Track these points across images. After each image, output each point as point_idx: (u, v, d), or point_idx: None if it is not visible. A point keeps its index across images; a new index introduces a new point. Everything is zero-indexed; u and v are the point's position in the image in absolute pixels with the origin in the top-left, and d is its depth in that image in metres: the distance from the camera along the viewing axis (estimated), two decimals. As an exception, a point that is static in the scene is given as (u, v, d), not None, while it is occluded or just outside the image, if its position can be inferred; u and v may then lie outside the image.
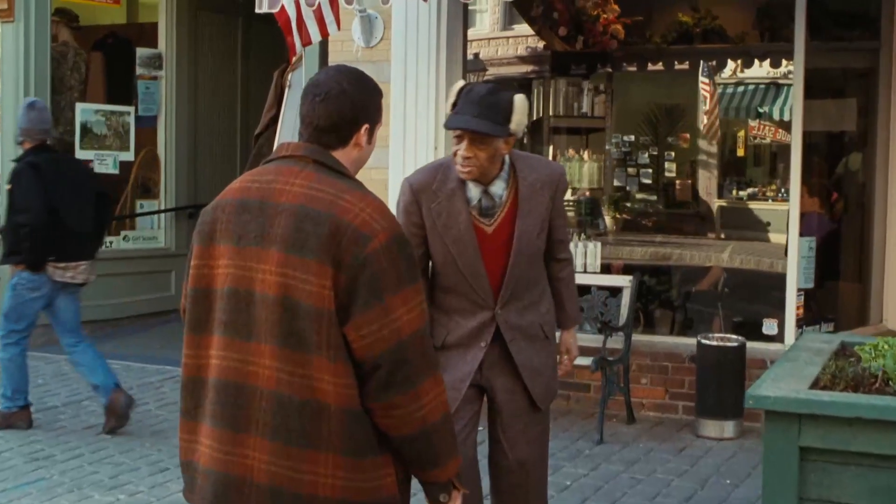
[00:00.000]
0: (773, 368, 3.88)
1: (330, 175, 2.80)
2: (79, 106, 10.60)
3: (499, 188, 4.03)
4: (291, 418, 2.69)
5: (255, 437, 2.73)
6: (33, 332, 9.87)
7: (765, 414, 3.49)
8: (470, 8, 11.41)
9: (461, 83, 4.02)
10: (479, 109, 3.81)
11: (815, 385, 3.62)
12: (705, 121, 10.30)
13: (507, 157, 4.03)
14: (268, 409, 2.71)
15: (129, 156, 10.96)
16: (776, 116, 10.54)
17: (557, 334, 4.40)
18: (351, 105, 2.90)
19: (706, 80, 10.07)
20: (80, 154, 10.52)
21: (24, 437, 7.04)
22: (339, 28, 7.61)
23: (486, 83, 3.99)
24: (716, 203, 10.71)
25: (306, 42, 7.65)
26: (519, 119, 3.89)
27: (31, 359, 9.23)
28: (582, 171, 10.07)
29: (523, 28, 10.73)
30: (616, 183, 10.10)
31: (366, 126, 2.94)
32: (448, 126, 3.94)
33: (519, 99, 3.90)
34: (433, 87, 8.09)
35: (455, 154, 3.92)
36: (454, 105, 3.91)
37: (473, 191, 4.03)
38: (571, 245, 8.22)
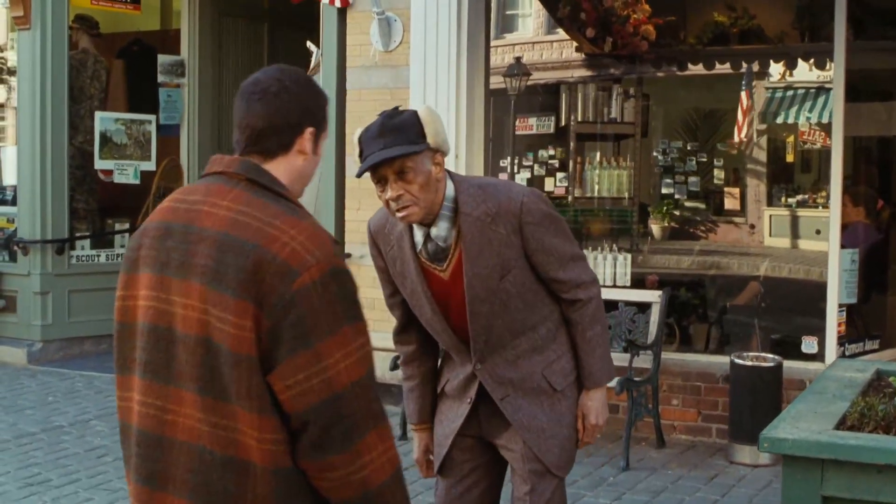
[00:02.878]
0: (795, 403, 3.47)
1: (264, 196, 2.42)
2: (98, 115, 10.37)
3: (441, 229, 3.35)
4: (213, 477, 2.32)
5: (173, 497, 2.37)
6: (50, 347, 9.78)
7: (783, 459, 3.09)
8: (512, 12, 11.15)
9: (358, 131, 3.31)
10: (385, 139, 3.17)
11: (841, 424, 3.21)
12: (745, 128, 9.86)
13: (449, 189, 3.34)
14: (186, 466, 2.35)
15: (150, 165, 10.71)
16: (824, 121, 10.10)
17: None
18: (293, 104, 2.52)
19: (746, 85, 9.64)
20: (100, 164, 10.33)
21: (23, 460, 6.76)
22: None
23: (380, 115, 3.27)
24: (764, 211, 10.28)
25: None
26: (434, 130, 3.23)
27: (45, 375, 9.13)
28: (611, 179, 9.66)
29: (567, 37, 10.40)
30: (662, 191, 9.71)
31: (310, 130, 2.53)
32: (359, 173, 3.23)
33: (424, 111, 3.27)
34: (453, 92, 7.75)
35: (386, 203, 3.28)
36: (360, 154, 3.26)
37: (417, 234, 3.42)
38: (600, 256, 7.87)
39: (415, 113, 3.26)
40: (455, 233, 3.37)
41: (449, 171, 3.39)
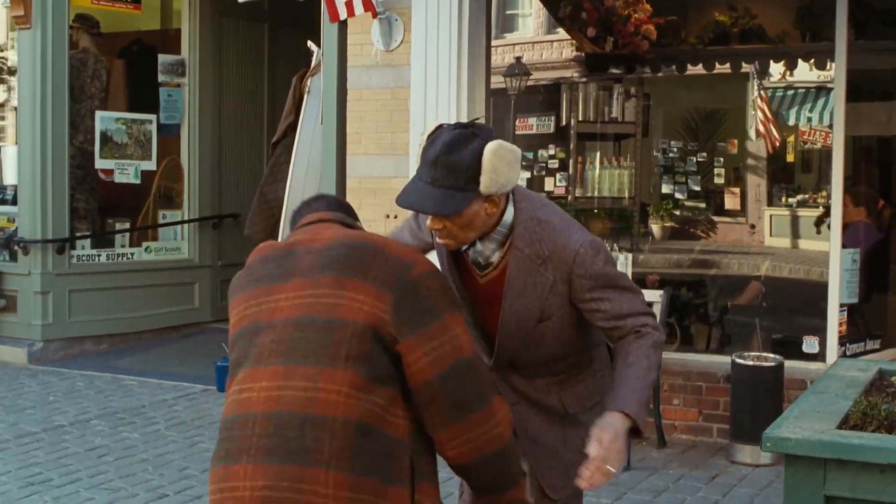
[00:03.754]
0: (797, 403, 3.46)
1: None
2: (99, 114, 10.37)
3: (488, 249, 3.16)
4: (289, 435, 2.59)
5: (245, 465, 2.61)
6: (50, 347, 9.77)
7: (786, 458, 3.08)
8: (512, 12, 11.14)
9: (431, 127, 3.09)
10: (434, 173, 2.95)
11: (843, 424, 3.21)
12: (772, 132, 9.82)
13: (508, 215, 3.12)
14: (261, 433, 2.62)
15: (151, 165, 10.72)
16: (825, 121, 10.09)
17: None
18: None
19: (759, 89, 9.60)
20: (100, 163, 10.32)
21: (24, 459, 6.75)
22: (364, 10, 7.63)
23: (453, 129, 3.00)
24: (764, 210, 10.27)
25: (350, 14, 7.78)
26: (492, 177, 2.95)
27: (46, 374, 9.13)
28: (612, 178, 9.65)
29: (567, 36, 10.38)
30: (663, 191, 9.69)
31: None
32: (398, 203, 3.03)
33: (489, 151, 2.94)
34: (454, 92, 7.74)
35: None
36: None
37: None
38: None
39: (479, 153, 2.95)
40: (501, 257, 3.16)
41: (515, 192, 3.14)
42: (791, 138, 10.56)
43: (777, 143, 9.80)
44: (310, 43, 8.83)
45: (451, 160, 2.95)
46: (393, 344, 2.65)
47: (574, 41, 9.85)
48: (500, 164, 2.96)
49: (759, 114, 9.54)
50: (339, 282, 2.68)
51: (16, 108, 10.65)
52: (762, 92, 9.53)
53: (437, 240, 3.15)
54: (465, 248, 3.20)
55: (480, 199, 2.99)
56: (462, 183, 2.96)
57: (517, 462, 2.90)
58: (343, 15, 7.85)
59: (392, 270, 2.71)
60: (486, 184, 2.96)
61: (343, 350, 2.61)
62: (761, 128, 9.65)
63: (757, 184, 10.33)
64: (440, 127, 3.07)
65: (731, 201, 10.15)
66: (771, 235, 10.00)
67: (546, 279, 3.11)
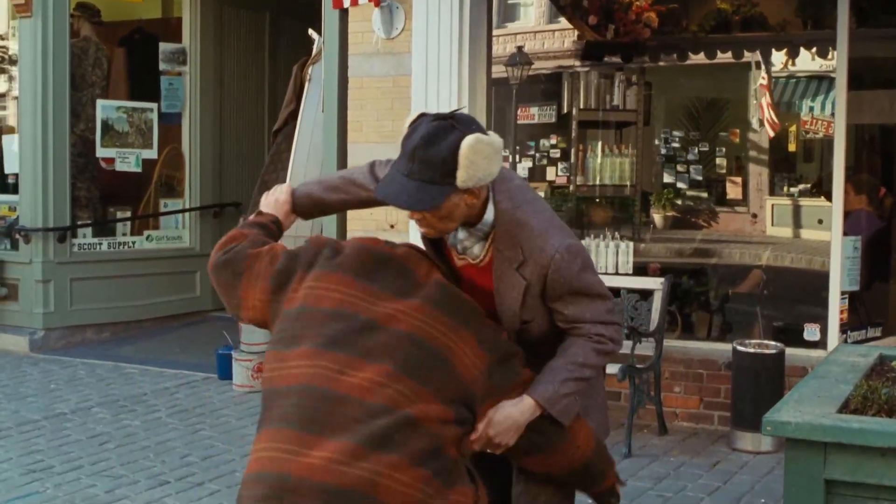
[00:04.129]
0: (798, 387, 3.47)
1: None
2: (100, 102, 10.36)
3: (470, 241, 3.19)
4: (379, 423, 2.75)
5: (327, 440, 2.73)
6: (52, 335, 9.78)
7: (786, 442, 3.08)
8: (514, 1, 11.12)
9: (412, 115, 3.07)
10: (412, 166, 2.93)
11: (844, 408, 3.21)
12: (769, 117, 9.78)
13: (489, 214, 3.11)
14: (353, 416, 2.76)
15: (152, 153, 10.71)
16: (827, 111, 10.07)
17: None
18: None
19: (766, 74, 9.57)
20: (101, 152, 10.32)
21: (25, 446, 6.76)
22: None
23: (433, 121, 2.96)
24: (766, 200, 10.26)
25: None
26: (469, 172, 2.92)
27: (47, 363, 9.14)
28: (613, 166, 9.64)
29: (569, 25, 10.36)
30: (664, 179, 9.68)
31: None
32: (376, 194, 3.08)
33: (466, 146, 2.90)
34: (455, 80, 7.72)
35: None
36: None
37: None
38: (602, 244, 7.88)
39: (455, 147, 2.92)
40: (485, 252, 3.17)
41: (497, 190, 3.12)
42: (793, 128, 10.53)
43: (777, 128, 9.77)
44: (311, 31, 8.83)
45: (428, 154, 2.93)
46: (476, 403, 2.95)
47: (575, 29, 9.84)
48: (477, 157, 2.93)
49: (766, 97, 9.51)
50: (451, 326, 2.92)
51: (17, 98, 10.63)
52: (768, 76, 9.50)
53: (418, 229, 3.15)
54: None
55: (459, 192, 2.97)
56: (438, 177, 2.93)
57: (603, 463, 3.41)
58: (346, 2, 7.85)
59: (490, 334, 3.01)
60: (462, 178, 2.93)
61: (444, 388, 2.84)
62: (767, 112, 9.63)
63: (759, 173, 10.32)
64: (422, 116, 3.04)
65: (732, 191, 10.15)
66: (773, 225, 10.00)
67: (520, 283, 3.13)
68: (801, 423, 3.03)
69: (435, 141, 2.93)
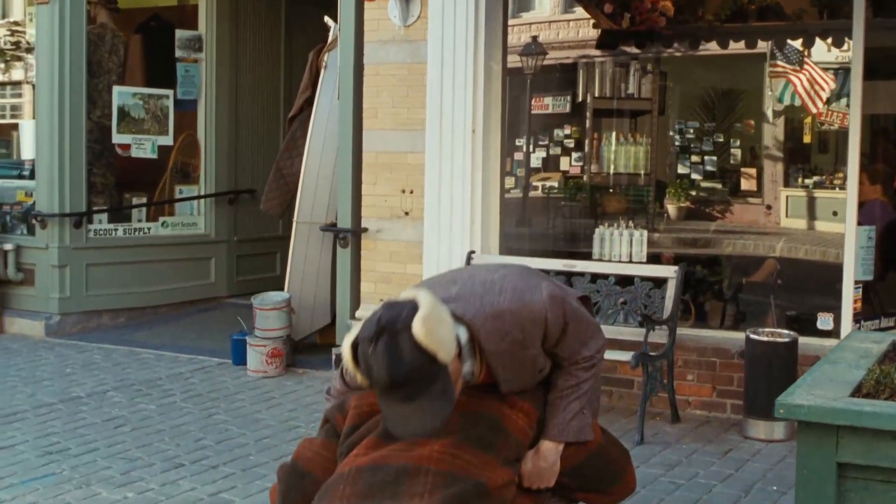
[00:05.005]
0: (810, 372, 3.48)
1: None
2: (116, 89, 10.40)
3: (466, 367, 3.07)
4: (481, 427, 3.07)
5: (433, 440, 3.00)
6: (68, 320, 9.84)
7: (798, 425, 3.09)
8: (528, -10, 11.11)
9: (347, 353, 2.92)
10: (404, 393, 2.84)
11: (857, 392, 3.22)
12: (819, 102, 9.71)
13: (462, 334, 3.03)
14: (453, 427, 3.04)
15: (168, 140, 10.75)
16: (842, 102, 10.03)
17: None
18: None
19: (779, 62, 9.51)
20: (118, 138, 10.36)
21: (41, 429, 6.81)
22: None
23: (374, 345, 2.82)
24: (781, 191, 10.24)
25: None
26: (443, 346, 2.85)
27: (63, 347, 9.19)
28: (627, 155, 9.63)
29: (584, 13, 10.35)
30: (679, 170, 9.66)
31: None
32: (398, 435, 2.94)
33: (421, 335, 2.81)
34: (471, 68, 7.76)
35: None
36: (363, 376, 2.91)
37: None
38: (616, 233, 7.89)
39: (414, 343, 2.81)
40: (479, 362, 3.10)
41: (453, 312, 3.02)
42: (808, 119, 10.52)
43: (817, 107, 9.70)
44: (327, 18, 8.85)
45: (404, 373, 2.82)
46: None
47: (591, 18, 9.83)
48: (436, 331, 2.84)
49: (805, 76, 9.43)
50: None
51: (34, 85, 10.67)
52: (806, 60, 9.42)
53: None
54: None
55: (448, 371, 2.92)
56: (430, 377, 2.86)
57: (614, 463, 3.45)
58: None
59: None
60: (445, 355, 2.87)
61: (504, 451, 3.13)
62: (805, 89, 9.54)
63: (773, 165, 10.30)
64: (356, 348, 2.90)
65: (747, 182, 10.13)
66: (787, 216, 9.98)
67: (531, 353, 3.17)
68: (813, 406, 3.04)
69: (396, 358, 2.82)
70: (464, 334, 3.02)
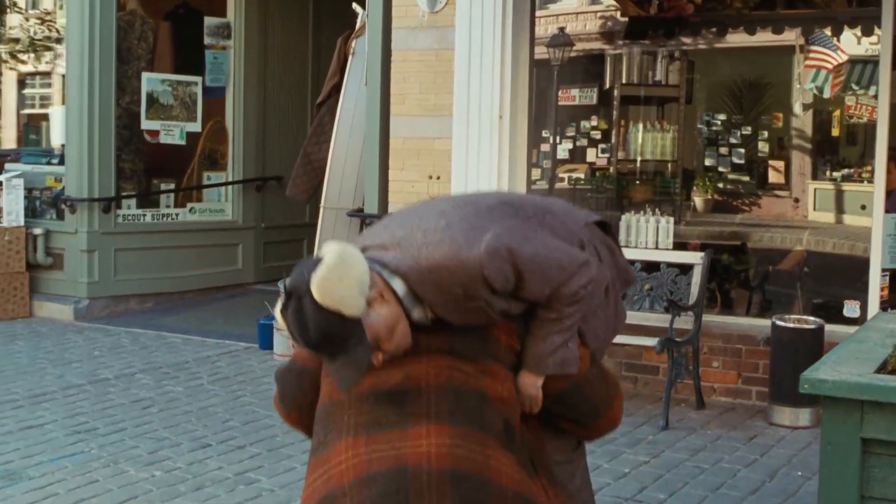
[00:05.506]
0: (836, 350, 3.48)
1: None
2: (145, 76, 10.47)
3: (416, 314, 2.92)
4: (470, 404, 2.84)
5: (425, 426, 2.78)
6: (96, 305, 9.91)
7: (823, 401, 3.10)
8: (556, -19, 11.10)
9: (277, 316, 2.88)
10: (324, 351, 2.78)
11: (882, 369, 3.22)
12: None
13: (398, 286, 2.87)
14: (442, 402, 2.83)
15: (196, 127, 10.82)
16: (871, 93, 9.97)
17: None
18: None
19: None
20: (146, 124, 10.43)
21: (70, 409, 6.87)
22: None
23: (285, 315, 2.79)
24: (808, 184, 10.20)
25: None
26: (349, 303, 2.72)
27: (91, 331, 9.27)
28: (654, 142, 9.62)
29: (611, 2, 10.33)
30: (706, 162, 9.65)
31: None
32: (345, 389, 2.86)
33: (320, 294, 2.70)
34: (498, 54, 7.77)
35: None
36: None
37: None
38: (642, 220, 7.89)
39: (316, 304, 2.72)
40: (427, 307, 2.94)
41: (387, 263, 2.89)
42: (836, 112, 10.46)
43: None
44: (354, 4, 8.88)
45: (315, 336, 2.75)
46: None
47: (618, 5, 9.81)
48: (335, 291, 2.73)
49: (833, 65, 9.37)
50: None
51: (63, 75, 10.76)
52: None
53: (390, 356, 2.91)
54: None
55: (369, 314, 2.79)
56: (342, 333, 2.76)
57: (597, 397, 3.13)
58: None
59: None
60: (351, 311, 2.74)
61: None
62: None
63: (801, 157, 10.27)
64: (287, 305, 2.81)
65: (774, 174, 10.10)
66: (815, 209, 9.94)
67: (478, 304, 2.91)
68: (838, 381, 3.05)
69: (303, 322, 2.75)
70: (400, 287, 2.88)
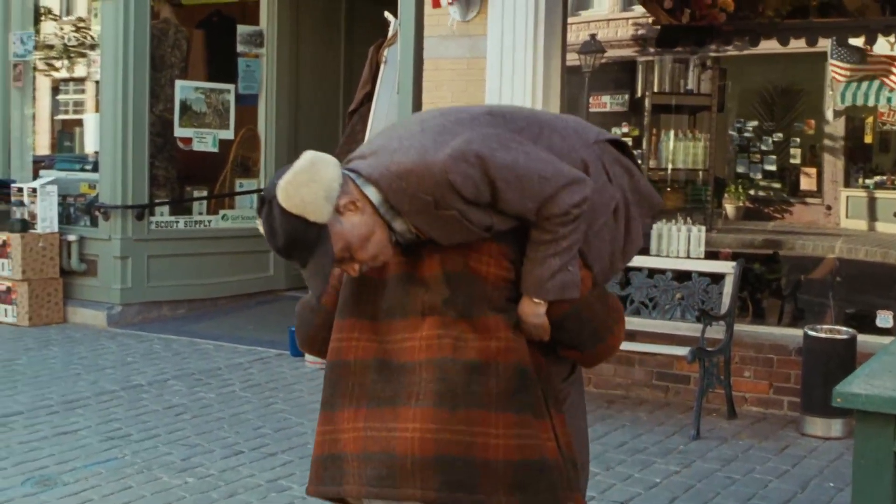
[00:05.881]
0: (869, 362, 3.47)
1: None
2: (178, 83, 10.54)
3: (398, 227, 2.86)
4: (457, 380, 2.76)
5: (413, 408, 2.76)
6: (129, 311, 9.98)
7: (856, 414, 3.10)
8: (588, -12, 11.12)
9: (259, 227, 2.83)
10: (296, 259, 2.75)
11: (916, 382, 3.21)
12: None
13: (373, 194, 2.79)
14: (430, 378, 2.77)
15: (228, 134, 10.88)
16: (904, 98, 9.95)
17: None
18: None
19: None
20: (179, 132, 10.50)
21: (104, 415, 6.93)
22: None
23: (260, 223, 2.79)
24: (841, 192, 10.18)
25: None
26: (310, 207, 2.69)
27: (124, 337, 9.34)
28: (686, 150, 9.61)
29: (642, 9, 10.34)
30: (737, 169, 9.64)
31: None
32: (316, 296, 2.94)
33: (283, 199, 2.69)
34: (530, 63, 7.76)
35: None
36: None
37: None
38: (673, 229, 7.88)
39: (282, 210, 2.70)
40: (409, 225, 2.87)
41: (361, 169, 2.82)
42: (869, 119, 10.44)
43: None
44: (386, 13, 8.91)
45: (282, 241, 2.75)
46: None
47: (650, 14, 9.82)
48: (297, 195, 2.71)
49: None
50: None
51: (97, 81, 10.85)
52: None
53: (369, 268, 2.89)
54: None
55: (336, 220, 2.75)
56: (310, 241, 2.75)
57: (597, 321, 2.99)
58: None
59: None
60: (315, 216, 2.71)
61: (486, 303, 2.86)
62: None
63: (833, 164, 10.25)
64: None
65: (806, 182, 10.09)
66: (847, 217, 9.92)
67: (452, 213, 2.79)
68: (871, 395, 3.04)
69: (272, 228, 2.74)
70: (374, 195, 2.81)
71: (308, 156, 2.77)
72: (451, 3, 7.91)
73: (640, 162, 9.49)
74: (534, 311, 2.89)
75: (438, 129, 2.85)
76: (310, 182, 2.70)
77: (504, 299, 2.85)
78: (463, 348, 2.77)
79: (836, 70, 9.25)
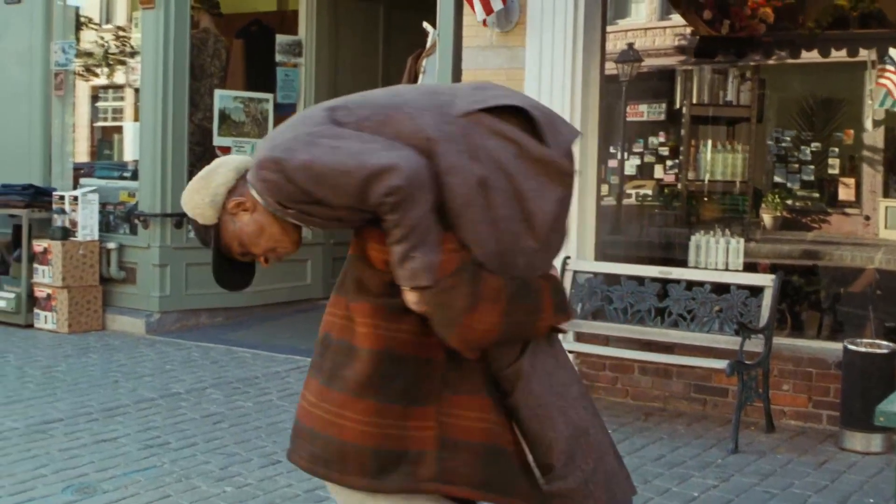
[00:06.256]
0: (912, 381, 3.46)
1: None
2: (217, 93, 10.60)
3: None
4: (336, 359, 2.99)
5: (315, 380, 3.09)
6: (167, 319, 10.05)
7: (899, 433, 3.09)
8: (626, -2, 11.11)
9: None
10: (198, 241, 3.25)
11: (959, 402, 3.20)
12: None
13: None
14: (319, 352, 3.14)
15: (267, 143, 10.90)
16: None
17: None
18: None
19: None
20: (218, 141, 10.55)
21: (143, 423, 6.98)
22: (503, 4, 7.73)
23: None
24: (880, 202, 10.10)
25: (488, 11, 7.79)
26: (192, 213, 3.09)
27: (162, 345, 9.41)
28: (725, 162, 9.58)
29: (681, 19, 10.32)
30: (775, 179, 9.59)
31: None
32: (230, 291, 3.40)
33: (182, 202, 3.13)
34: (569, 75, 7.76)
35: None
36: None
37: None
38: (712, 241, 7.86)
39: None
40: None
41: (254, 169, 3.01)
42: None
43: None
44: (425, 23, 8.92)
45: (199, 240, 3.19)
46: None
47: (689, 25, 9.81)
48: (189, 200, 3.08)
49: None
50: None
51: (136, 90, 10.93)
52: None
53: (276, 259, 3.20)
54: None
55: (226, 219, 3.07)
56: (205, 238, 3.12)
57: (460, 304, 2.86)
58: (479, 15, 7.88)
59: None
60: (202, 219, 3.08)
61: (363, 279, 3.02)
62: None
63: (872, 175, 10.17)
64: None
65: (844, 192, 10.02)
66: (886, 227, 9.85)
67: (292, 211, 2.97)
68: (915, 414, 3.03)
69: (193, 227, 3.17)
70: (256, 194, 3.04)
71: (214, 163, 3.09)
72: (487, 16, 7.90)
73: (677, 174, 9.55)
74: (409, 298, 2.88)
75: (279, 130, 3.00)
76: (201, 189, 3.04)
77: (383, 284, 2.91)
78: (341, 327, 2.96)
79: (888, 75, 9.17)
